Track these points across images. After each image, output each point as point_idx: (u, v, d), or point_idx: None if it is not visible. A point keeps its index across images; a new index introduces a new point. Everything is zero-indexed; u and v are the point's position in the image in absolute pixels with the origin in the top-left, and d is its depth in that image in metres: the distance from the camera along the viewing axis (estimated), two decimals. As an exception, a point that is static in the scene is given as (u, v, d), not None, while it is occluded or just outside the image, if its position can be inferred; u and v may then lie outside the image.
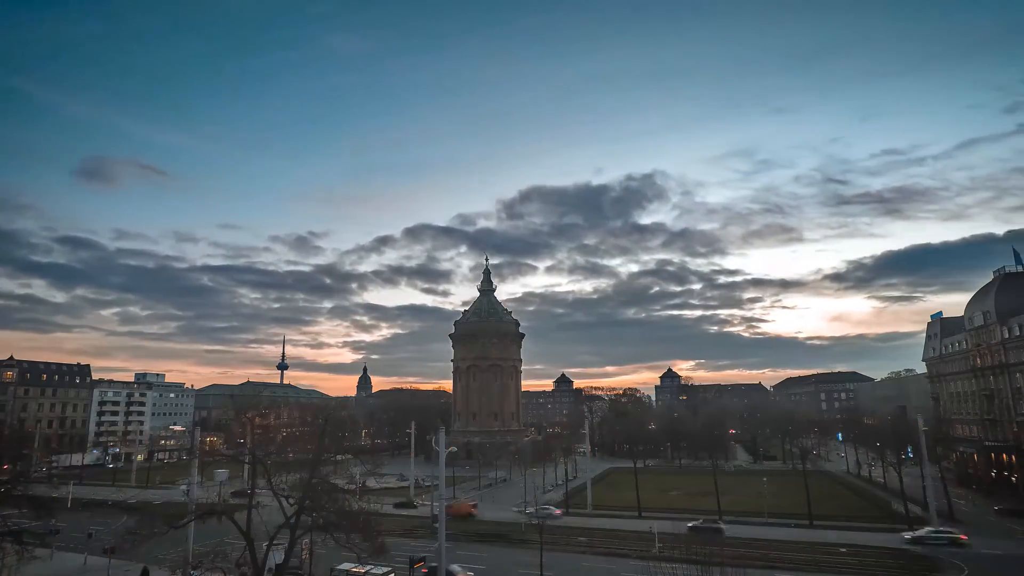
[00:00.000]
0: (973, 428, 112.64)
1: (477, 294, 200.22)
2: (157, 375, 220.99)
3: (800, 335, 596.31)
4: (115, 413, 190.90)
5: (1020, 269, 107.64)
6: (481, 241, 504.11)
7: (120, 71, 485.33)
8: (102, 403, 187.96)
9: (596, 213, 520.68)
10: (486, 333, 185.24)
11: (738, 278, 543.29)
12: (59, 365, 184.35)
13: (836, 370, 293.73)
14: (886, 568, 58.64)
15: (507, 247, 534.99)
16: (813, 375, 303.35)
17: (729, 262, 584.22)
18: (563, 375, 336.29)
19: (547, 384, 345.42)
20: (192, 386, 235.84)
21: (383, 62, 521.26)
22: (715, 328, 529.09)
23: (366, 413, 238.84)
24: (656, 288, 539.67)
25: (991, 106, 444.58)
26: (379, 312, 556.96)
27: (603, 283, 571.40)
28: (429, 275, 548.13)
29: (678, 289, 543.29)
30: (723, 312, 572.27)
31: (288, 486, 46.06)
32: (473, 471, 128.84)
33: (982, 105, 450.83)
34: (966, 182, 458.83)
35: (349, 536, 40.89)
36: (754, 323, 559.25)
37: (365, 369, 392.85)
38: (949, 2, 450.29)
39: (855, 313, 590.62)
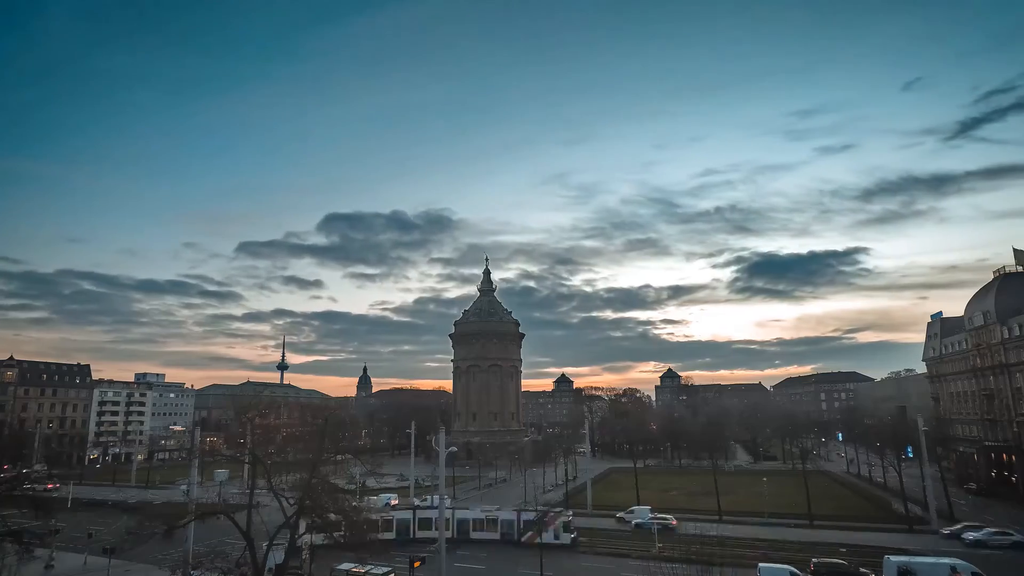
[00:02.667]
0: (973, 428, 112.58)
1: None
2: (157, 375, 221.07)
3: (719, 338, 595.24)
4: (115, 413, 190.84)
5: (1020, 269, 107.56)
6: (329, 253, 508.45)
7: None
8: (102, 403, 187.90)
9: (420, 234, 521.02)
10: (486, 333, 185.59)
11: (623, 284, 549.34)
12: (59, 365, 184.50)
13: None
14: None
15: (362, 258, 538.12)
16: (813, 374, 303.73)
17: (607, 272, 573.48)
18: (563, 375, 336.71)
19: (547, 384, 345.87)
20: (192, 386, 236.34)
21: (192, 111, 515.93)
22: (640, 330, 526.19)
23: (366, 413, 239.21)
24: (544, 292, 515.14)
25: (777, 133, 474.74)
26: (290, 315, 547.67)
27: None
28: (301, 284, 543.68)
29: (566, 292, 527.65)
30: (640, 314, 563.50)
31: (288, 486, 46.08)
32: (473, 471, 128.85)
33: (772, 133, 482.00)
34: (787, 203, 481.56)
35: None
36: (676, 325, 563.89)
37: (365, 369, 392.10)
38: (722, 37, 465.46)
39: (771, 319, 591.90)
